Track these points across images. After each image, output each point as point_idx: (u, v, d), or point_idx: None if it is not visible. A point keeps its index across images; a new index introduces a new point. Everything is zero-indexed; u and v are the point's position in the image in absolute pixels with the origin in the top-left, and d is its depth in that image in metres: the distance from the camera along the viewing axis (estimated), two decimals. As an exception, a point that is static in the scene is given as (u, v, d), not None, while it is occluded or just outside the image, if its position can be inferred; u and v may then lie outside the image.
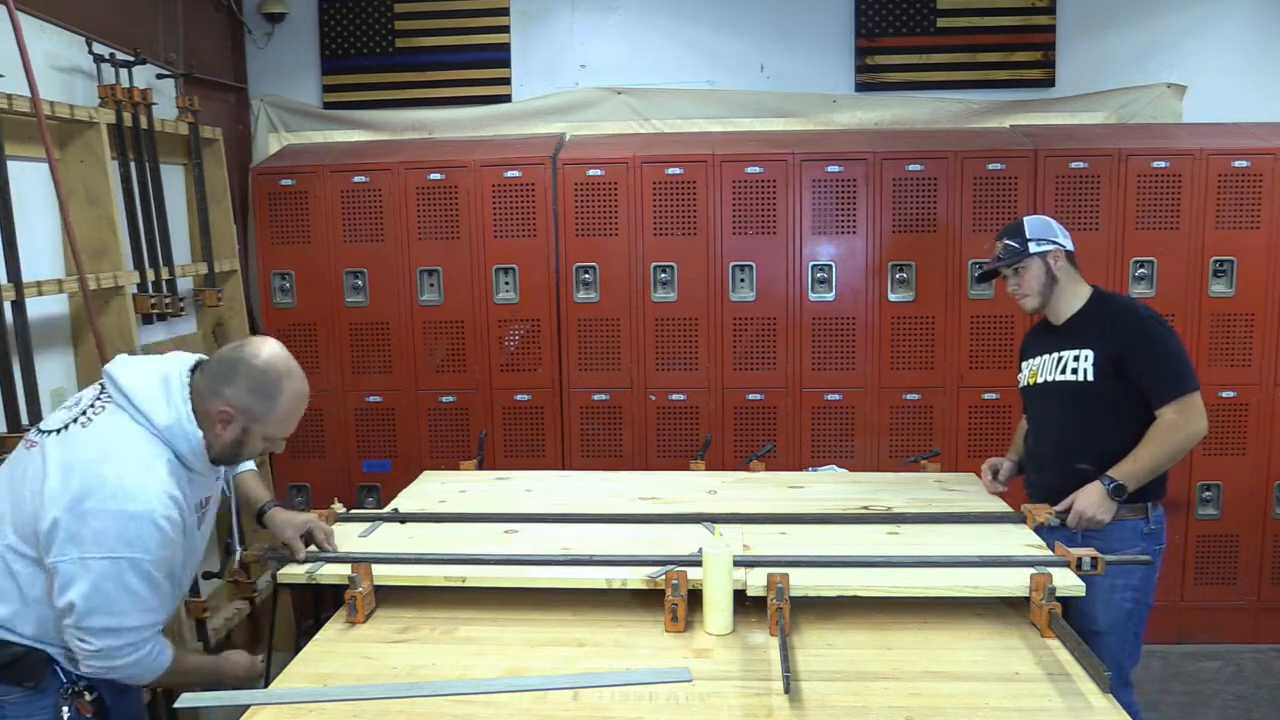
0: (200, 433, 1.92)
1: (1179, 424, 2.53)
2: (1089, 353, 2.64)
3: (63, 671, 1.94)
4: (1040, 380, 2.76)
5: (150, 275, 3.47)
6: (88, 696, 1.96)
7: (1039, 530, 2.47)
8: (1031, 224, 2.73)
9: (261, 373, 1.93)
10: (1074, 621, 2.36)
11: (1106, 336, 2.62)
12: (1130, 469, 2.53)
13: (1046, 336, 2.79)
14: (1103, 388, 2.61)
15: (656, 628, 2.09)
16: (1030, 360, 2.84)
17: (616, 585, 2.14)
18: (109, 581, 1.81)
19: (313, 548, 2.30)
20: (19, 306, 2.75)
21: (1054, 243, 2.69)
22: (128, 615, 1.85)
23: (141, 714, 2.42)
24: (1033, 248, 2.68)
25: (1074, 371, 2.66)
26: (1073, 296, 2.72)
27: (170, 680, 2.00)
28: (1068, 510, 2.55)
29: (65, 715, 1.92)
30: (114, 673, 1.90)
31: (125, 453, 1.86)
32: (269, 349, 1.97)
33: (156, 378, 1.93)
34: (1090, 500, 2.53)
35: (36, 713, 1.94)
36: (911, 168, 3.96)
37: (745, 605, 2.08)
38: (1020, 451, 2.92)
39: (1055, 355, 2.73)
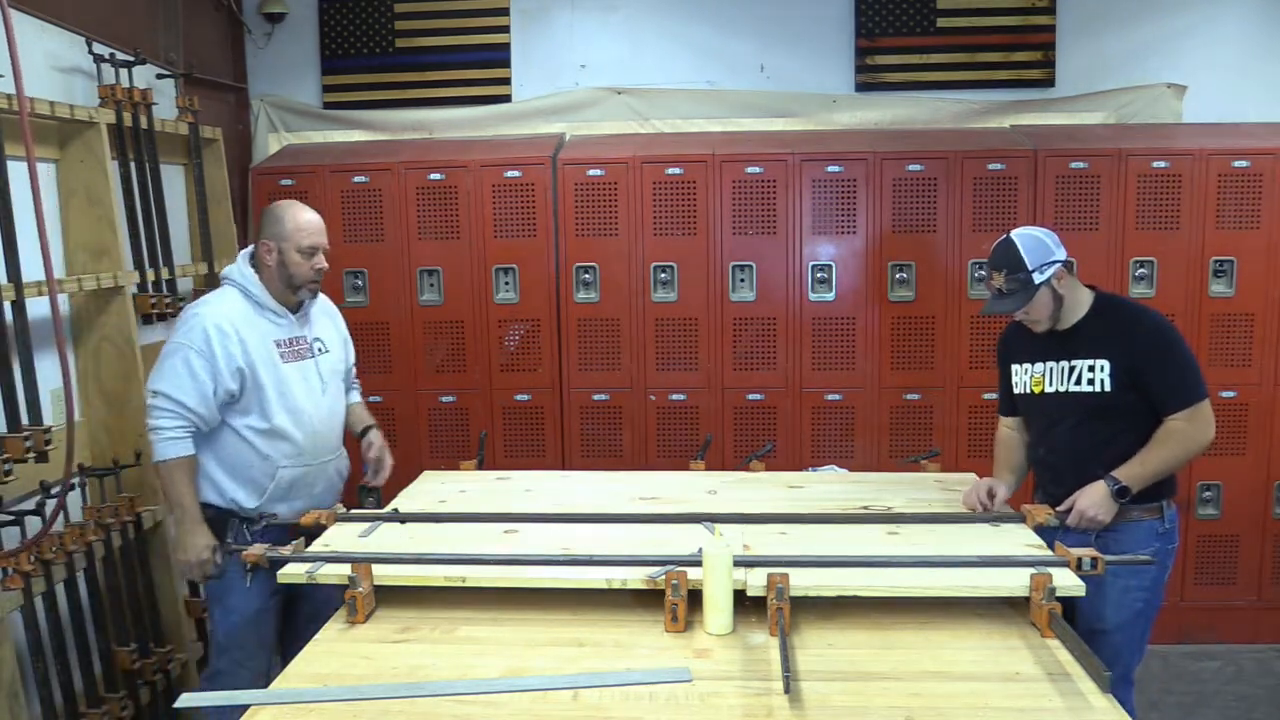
0: (253, 272, 2.71)
1: (1189, 431, 2.51)
2: (1105, 363, 2.55)
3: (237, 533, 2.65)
4: (1050, 390, 2.67)
5: (150, 275, 3.47)
6: None
7: (1051, 533, 2.46)
8: (1027, 248, 2.53)
9: (270, 209, 2.76)
10: (1082, 621, 2.35)
11: (1122, 346, 2.55)
12: (1136, 472, 2.51)
13: (1048, 342, 2.67)
14: (1120, 398, 2.55)
15: (656, 628, 2.09)
16: (1029, 365, 2.73)
17: (616, 585, 2.14)
18: (166, 359, 2.60)
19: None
20: (19, 306, 2.75)
21: (1054, 262, 2.53)
22: (163, 382, 2.58)
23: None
24: (1037, 278, 2.51)
25: (1090, 382, 2.58)
26: (1076, 304, 2.62)
27: (165, 474, 2.61)
28: (1068, 511, 2.54)
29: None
30: (149, 433, 2.61)
31: (205, 298, 2.74)
32: (275, 201, 2.81)
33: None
34: (1092, 500, 2.52)
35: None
36: (911, 168, 3.96)
37: (745, 605, 2.08)
38: (1012, 467, 2.81)
39: (1065, 364, 2.62)
